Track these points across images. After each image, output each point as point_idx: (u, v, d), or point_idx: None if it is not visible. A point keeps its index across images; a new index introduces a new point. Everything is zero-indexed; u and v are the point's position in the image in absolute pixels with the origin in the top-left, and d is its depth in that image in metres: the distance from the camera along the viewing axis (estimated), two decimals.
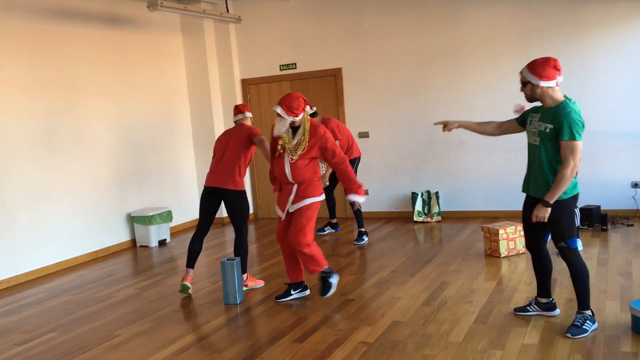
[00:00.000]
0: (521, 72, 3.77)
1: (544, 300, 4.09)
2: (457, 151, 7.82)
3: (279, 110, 4.50)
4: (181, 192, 8.57)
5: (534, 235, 3.97)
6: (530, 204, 3.87)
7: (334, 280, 4.76)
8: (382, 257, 6.12)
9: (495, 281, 5.02)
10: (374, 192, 8.33)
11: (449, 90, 7.76)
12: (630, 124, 7.00)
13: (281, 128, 4.54)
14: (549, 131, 3.64)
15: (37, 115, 6.48)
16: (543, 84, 3.66)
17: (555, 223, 3.71)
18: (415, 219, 7.83)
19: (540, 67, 3.67)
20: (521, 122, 3.98)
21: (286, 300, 4.91)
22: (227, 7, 7.39)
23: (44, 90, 6.58)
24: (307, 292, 5.00)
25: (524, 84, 3.75)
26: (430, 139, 7.93)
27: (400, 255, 6.17)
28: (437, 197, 7.80)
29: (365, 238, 6.90)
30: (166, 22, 8.33)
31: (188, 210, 8.70)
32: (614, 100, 7.02)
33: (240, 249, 5.26)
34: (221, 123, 8.87)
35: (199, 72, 8.67)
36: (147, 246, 7.56)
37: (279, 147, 4.62)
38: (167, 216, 7.70)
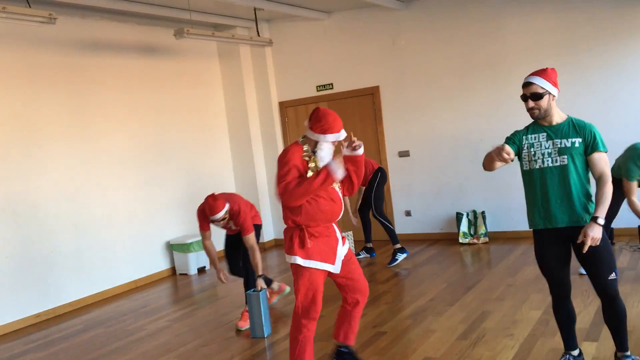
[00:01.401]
0: (534, 82, 3.19)
1: (575, 353, 3.47)
2: (504, 167, 7.37)
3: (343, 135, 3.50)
4: None
5: (564, 278, 3.34)
6: (559, 238, 3.26)
7: None
8: (422, 284, 5.80)
9: (540, 310, 4.62)
10: (417, 213, 8.00)
11: (492, 104, 7.39)
12: None
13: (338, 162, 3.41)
14: (579, 145, 3.18)
15: (73, 147, 6.56)
16: (556, 95, 3.26)
17: (605, 251, 3.17)
18: (460, 240, 7.45)
19: (554, 76, 3.27)
20: (516, 150, 3.30)
21: None
22: (257, 31, 7.32)
23: (81, 123, 6.66)
24: None
25: (540, 96, 3.19)
26: (475, 156, 7.55)
27: (441, 281, 5.84)
28: (484, 217, 7.40)
29: (400, 256, 6.64)
30: (203, 48, 8.35)
31: None
32: None
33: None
34: (260, 148, 8.78)
35: (237, 96, 8.63)
36: (186, 274, 7.50)
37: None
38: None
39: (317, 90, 8.46)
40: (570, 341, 3.46)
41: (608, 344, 3.82)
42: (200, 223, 5.05)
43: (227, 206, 4.88)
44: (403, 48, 7.84)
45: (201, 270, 7.60)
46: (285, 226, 3.58)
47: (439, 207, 7.84)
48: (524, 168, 3.32)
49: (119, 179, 7.06)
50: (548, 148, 3.23)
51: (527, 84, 3.24)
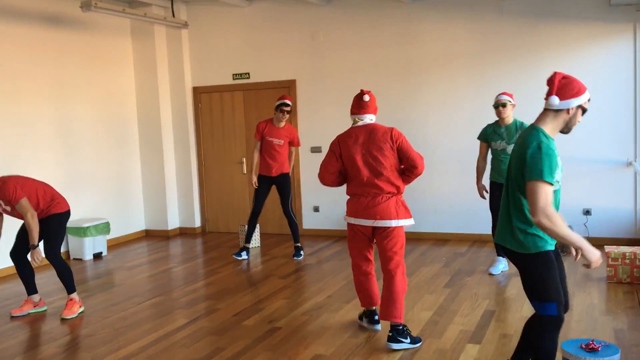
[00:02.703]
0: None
1: None
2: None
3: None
4: (123, 203, 8.19)
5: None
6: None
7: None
8: (322, 280, 5.83)
9: (431, 311, 4.76)
10: (325, 209, 8.05)
11: (404, 106, 7.55)
12: (581, 150, 6.85)
13: None
14: None
15: None
16: None
17: None
18: None
19: None
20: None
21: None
22: (172, 12, 7.07)
23: None
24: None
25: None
26: None
27: (341, 278, 5.89)
28: None
29: (302, 253, 6.88)
30: (114, 24, 7.97)
31: (130, 223, 8.33)
32: None
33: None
34: (170, 133, 8.53)
35: (148, 78, 8.32)
36: (80, 259, 7.15)
37: None
38: (104, 228, 7.31)
39: (234, 79, 8.30)
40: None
41: (490, 347, 3.98)
42: None
43: None
44: (322, 44, 7.84)
45: (97, 256, 7.28)
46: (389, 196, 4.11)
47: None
48: None
49: (12, 156, 6.61)
50: None
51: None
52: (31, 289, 5.12)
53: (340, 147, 4.21)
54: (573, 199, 6.89)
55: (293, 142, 6.77)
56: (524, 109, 6.94)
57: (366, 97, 4.17)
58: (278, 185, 6.76)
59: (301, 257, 6.78)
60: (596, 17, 6.62)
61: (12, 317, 5.00)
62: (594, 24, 6.65)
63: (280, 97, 6.62)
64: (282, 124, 6.66)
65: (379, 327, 4.28)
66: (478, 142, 5.91)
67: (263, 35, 8.10)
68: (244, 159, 8.24)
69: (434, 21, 7.30)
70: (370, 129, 4.15)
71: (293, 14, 7.91)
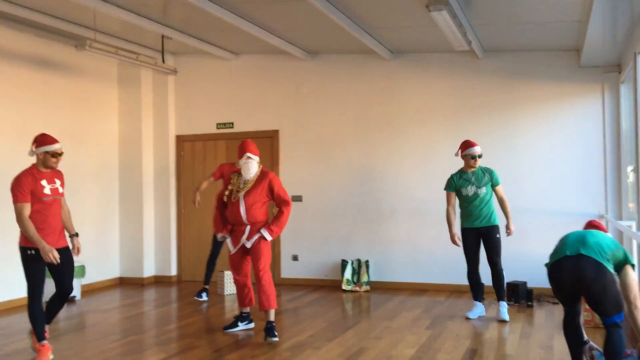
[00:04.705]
0: None
1: None
2: (390, 220, 7.71)
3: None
4: (100, 248, 8.08)
5: None
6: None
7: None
8: (303, 322, 5.79)
9: (414, 349, 4.75)
10: (304, 258, 8.06)
11: (385, 159, 7.74)
12: (557, 202, 7.08)
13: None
14: None
15: None
16: None
17: None
18: (344, 287, 7.55)
19: None
20: None
21: (233, 331, 5.39)
22: (163, 58, 7.28)
23: None
24: (252, 324, 5.53)
25: None
26: (364, 206, 7.82)
27: (322, 320, 5.85)
28: (367, 266, 7.59)
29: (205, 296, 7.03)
30: (102, 70, 8.13)
31: (106, 268, 8.19)
32: (542, 178, 7.13)
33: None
34: (151, 179, 8.54)
35: (133, 124, 8.41)
36: None
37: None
38: (80, 272, 7.16)
39: (217, 128, 8.45)
40: None
41: None
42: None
43: None
44: (305, 96, 8.09)
45: (70, 300, 7.09)
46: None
47: (326, 253, 7.94)
48: None
49: None
50: None
51: None
52: (41, 334, 4.59)
53: None
54: (549, 249, 7.02)
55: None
56: (499, 161, 7.21)
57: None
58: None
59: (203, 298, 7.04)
60: (567, 77, 7.01)
61: None
62: (565, 84, 7.04)
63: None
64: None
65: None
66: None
67: (248, 86, 8.33)
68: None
69: (414, 77, 7.63)
70: None
71: (278, 68, 8.19)
